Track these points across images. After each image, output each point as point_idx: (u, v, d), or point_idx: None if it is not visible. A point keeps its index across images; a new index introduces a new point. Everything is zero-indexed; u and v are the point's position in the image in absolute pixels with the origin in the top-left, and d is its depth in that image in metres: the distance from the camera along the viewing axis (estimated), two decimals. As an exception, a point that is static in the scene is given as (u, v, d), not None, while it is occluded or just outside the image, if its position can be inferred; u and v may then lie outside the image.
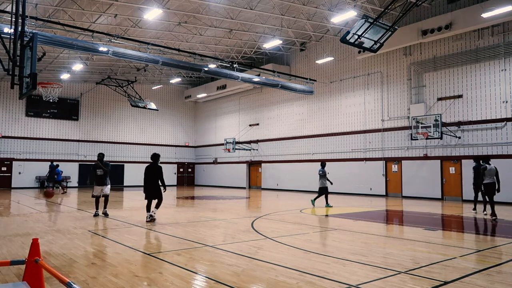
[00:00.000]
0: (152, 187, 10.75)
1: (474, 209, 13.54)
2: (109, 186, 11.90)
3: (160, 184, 10.86)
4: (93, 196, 11.84)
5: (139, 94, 30.31)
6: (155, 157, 11.00)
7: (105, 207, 11.87)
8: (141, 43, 18.01)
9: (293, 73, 25.26)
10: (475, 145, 17.72)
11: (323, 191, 14.85)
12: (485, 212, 12.54)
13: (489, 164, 11.87)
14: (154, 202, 10.87)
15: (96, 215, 11.65)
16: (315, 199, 15.12)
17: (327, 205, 14.81)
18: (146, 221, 10.37)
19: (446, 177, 18.74)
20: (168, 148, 34.66)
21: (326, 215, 12.57)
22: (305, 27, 22.23)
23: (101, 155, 11.94)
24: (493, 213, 11.33)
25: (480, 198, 13.11)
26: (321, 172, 14.84)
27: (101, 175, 11.72)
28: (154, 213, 10.64)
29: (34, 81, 6.69)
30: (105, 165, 11.84)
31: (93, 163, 12.09)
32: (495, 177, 11.74)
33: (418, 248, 7.04)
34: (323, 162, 15.42)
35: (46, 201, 16.94)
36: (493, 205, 11.52)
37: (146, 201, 10.84)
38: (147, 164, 11.01)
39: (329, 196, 15.40)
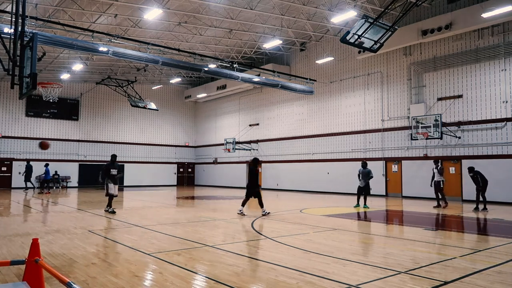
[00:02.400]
0: (250, 187, 12.18)
1: (476, 208, 14.06)
2: (117, 186, 12.90)
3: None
4: (108, 195, 12.55)
5: (139, 94, 30.31)
6: (254, 161, 12.42)
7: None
8: (141, 43, 18.01)
9: (293, 73, 25.26)
10: (475, 145, 17.72)
11: (358, 190, 14.87)
12: (436, 206, 15.05)
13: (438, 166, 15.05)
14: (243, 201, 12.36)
15: (113, 212, 12.33)
16: (364, 202, 14.91)
17: (365, 206, 14.69)
18: (237, 213, 11.97)
19: (446, 177, 18.68)
20: (168, 148, 34.67)
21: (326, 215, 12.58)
22: (305, 27, 22.23)
23: (114, 157, 12.83)
24: (439, 204, 14.94)
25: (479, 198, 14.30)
26: (359, 173, 14.84)
27: (115, 175, 12.60)
28: (265, 211, 11.91)
29: (34, 81, 6.69)
30: (118, 166, 12.86)
31: (105, 163, 12.93)
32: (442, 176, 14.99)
33: (418, 248, 7.04)
34: (363, 162, 15.32)
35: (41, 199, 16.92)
36: (443, 196, 14.99)
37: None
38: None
39: (330, 196, 15.44)
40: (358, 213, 13.22)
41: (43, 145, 12.52)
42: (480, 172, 14.05)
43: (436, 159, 15.78)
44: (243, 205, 12.16)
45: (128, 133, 32.72)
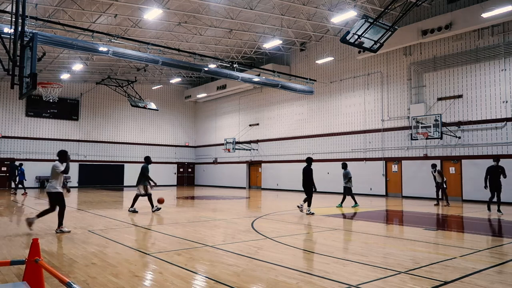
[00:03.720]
0: (304, 186, 12.61)
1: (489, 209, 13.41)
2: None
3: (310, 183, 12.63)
4: (146, 195, 12.95)
5: (139, 94, 30.31)
6: (309, 160, 12.79)
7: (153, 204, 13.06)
8: (141, 43, 18.01)
9: (293, 73, 25.26)
10: (475, 145, 17.71)
11: (344, 191, 15.31)
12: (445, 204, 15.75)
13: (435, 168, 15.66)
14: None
15: (136, 211, 12.68)
16: (341, 202, 15.18)
17: (339, 205, 15.02)
18: (306, 213, 12.26)
19: (446, 177, 18.69)
20: (168, 148, 34.68)
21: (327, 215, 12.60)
22: (305, 27, 22.23)
23: (149, 158, 13.42)
24: (447, 202, 15.81)
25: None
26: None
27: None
28: (301, 205, 12.59)
29: (34, 81, 6.70)
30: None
31: (143, 164, 13.30)
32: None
33: (418, 248, 7.04)
34: (343, 163, 15.55)
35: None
36: (443, 196, 15.90)
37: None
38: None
39: (330, 196, 15.57)
40: (357, 213, 13.21)
41: (160, 201, 13.02)
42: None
43: (433, 164, 16.07)
44: (309, 205, 12.45)
45: (128, 133, 32.72)
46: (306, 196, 12.55)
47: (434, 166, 15.77)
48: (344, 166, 15.30)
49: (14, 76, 7.04)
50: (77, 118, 30.43)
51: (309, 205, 12.43)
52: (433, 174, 15.84)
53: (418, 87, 19.86)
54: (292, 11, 19.63)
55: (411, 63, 20.20)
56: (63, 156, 8.84)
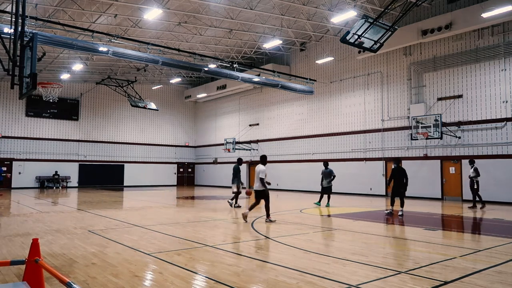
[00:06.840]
0: (395, 186, 12.45)
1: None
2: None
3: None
4: (237, 192, 14.43)
5: (139, 94, 30.31)
6: (397, 160, 12.78)
7: (236, 201, 14.69)
8: (141, 43, 18.00)
9: (293, 73, 25.26)
10: (475, 145, 17.71)
11: (321, 190, 15.58)
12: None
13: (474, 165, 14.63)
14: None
15: (239, 206, 14.41)
16: (328, 201, 15.36)
17: (327, 204, 15.18)
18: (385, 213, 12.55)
19: (446, 177, 18.74)
20: (168, 148, 34.68)
21: (327, 215, 12.58)
22: (305, 27, 22.23)
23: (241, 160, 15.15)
24: (474, 205, 14.49)
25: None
26: (322, 174, 15.56)
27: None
28: (391, 209, 12.64)
29: (34, 81, 6.70)
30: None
31: (235, 164, 14.89)
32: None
33: (418, 248, 7.04)
34: (325, 162, 15.86)
35: None
36: (476, 197, 14.51)
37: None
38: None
39: (329, 196, 15.64)
40: (357, 213, 13.22)
41: (248, 193, 13.38)
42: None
43: (471, 160, 15.11)
44: (392, 205, 12.61)
45: (128, 133, 32.72)
46: (400, 199, 12.32)
47: (472, 162, 14.78)
48: (326, 165, 15.52)
49: (14, 76, 7.04)
50: (77, 118, 30.43)
51: (401, 206, 12.29)
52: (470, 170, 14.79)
53: (418, 87, 19.86)
54: (292, 11, 19.63)
55: (411, 63, 20.19)
56: (264, 159, 11.56)
